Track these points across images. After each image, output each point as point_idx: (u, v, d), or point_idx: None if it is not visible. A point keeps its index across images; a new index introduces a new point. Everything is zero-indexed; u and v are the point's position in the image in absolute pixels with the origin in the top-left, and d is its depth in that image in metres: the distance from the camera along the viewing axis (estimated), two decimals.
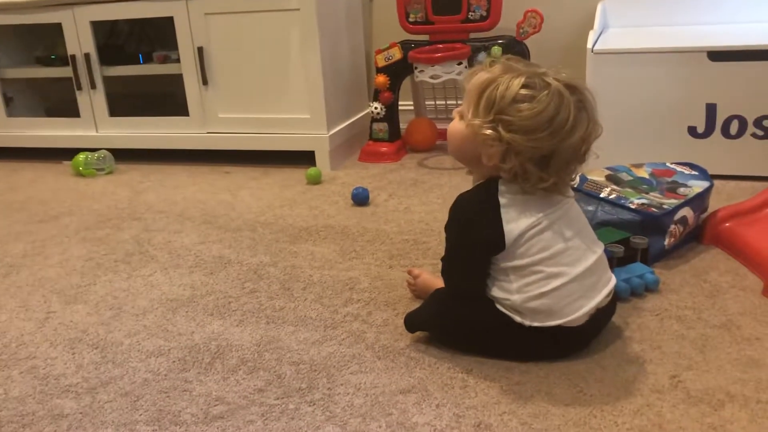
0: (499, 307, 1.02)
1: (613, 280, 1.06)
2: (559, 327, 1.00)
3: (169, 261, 1.52)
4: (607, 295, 1.04)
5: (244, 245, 1.59)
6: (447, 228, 1.06)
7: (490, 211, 0.98)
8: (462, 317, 1.06)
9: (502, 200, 0.98)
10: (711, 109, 1.76)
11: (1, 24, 2.36)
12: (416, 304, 1.19)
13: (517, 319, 1.01)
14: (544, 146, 0.94)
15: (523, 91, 0.94)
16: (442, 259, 1.09)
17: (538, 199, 0.99)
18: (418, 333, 1.13)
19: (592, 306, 1.01)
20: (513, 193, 0.98)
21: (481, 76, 0.98)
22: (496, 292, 1.02)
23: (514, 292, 1.00)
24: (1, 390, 1.06)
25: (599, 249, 1.05)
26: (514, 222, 0.98)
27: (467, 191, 1.04)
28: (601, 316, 1.06)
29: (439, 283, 1.15)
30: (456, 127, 1.03)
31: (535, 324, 1.00)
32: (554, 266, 0.98)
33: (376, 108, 2.24)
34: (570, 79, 0.96)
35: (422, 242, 1.54)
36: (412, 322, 1.12)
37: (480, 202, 1.01)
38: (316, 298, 1.30)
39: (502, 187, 0.99)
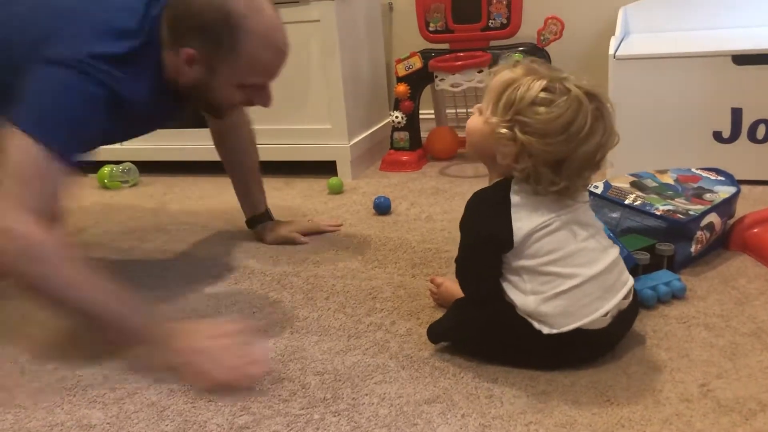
0: (521, 314, 1.02)
1: (631, 281, 1.06)
2: (579, 330, 0.99)
3: (193, 272, 1.53)
4: (626, 297, 1.04)
5: (267, 255, 1.60)
6: (460, 224, 1.07)
7: (501, 208, 1.00)
8: (483, 326, 1.05)
9: (514, 199, 0.99)
10: (736, 114, 1.74)
11: None
12: (439, 313, 1.19)
13: (536, 326, 1.00)
14: (559, 151, 0.95)
15: (543, 95, 0.95)
16: (456, 260, 1.09)
17: (550, 201, 0.99)
18: (441, 342, 1.12)
19: (611, 307, 1.00)
20: (525, 193, 0.99)
21: (504, 75, 1.00)
22: (511, 295, 1.02)
23: (528, 293, 1.00)
24: (31, 401, 1.08)
25: (615, 251, 1.04)
26: (524, 220, 0.99)
27: (483, 188, 1.06)
28: (624, 319, 1.05)
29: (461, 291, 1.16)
30: (474, 122, 1.04)
31: (554, 331, 0.99)
32: (566, 267, 0.99)
33: (396, 117, 2.24)
34: (591, 87, 0.97)
35: (444, 251, 1.53)
36: (434, 333, 1.12)
37: (492, 198, 1.02)
38: (339, 307, 1.30)
39: (515, 186, 1.00)
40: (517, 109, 0.96)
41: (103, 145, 1.22)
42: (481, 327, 1.06)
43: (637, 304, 1.09)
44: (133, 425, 1.00)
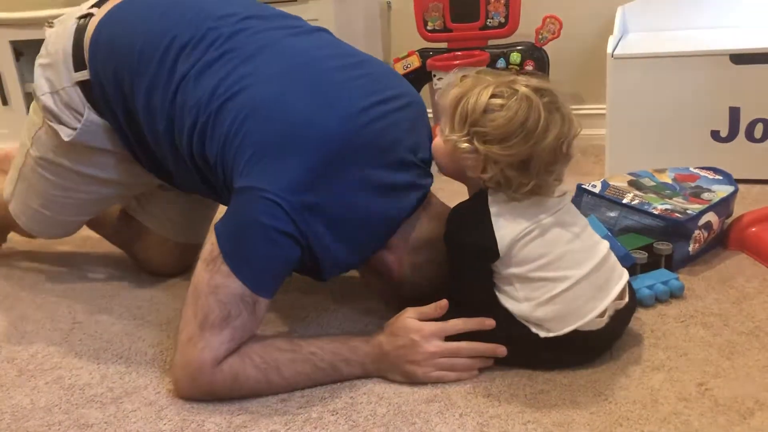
0: (515, 317, 1.01)
1: (626, 276, 1.06)
2: (576, 332, 0.99)
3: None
4: (622, 296, 1.04)
5: None
6: (445, 239, 1.06)
7: (481, 220, 1.00)
8: (482, 331, 1.04)
9: (493, 209, 1.00)
10: (734, 113, 1.74)
11: None
12: None
13: (533, 329, 1.00)
14: (520, 152, 0.95)
15: (493, 101, 0.96)
16: (449, 273, 1.08)
17: (529, 206, 1.00)
18: None
19: (606, 304, 1.00)
20: (503, 201, 1.00)
21: (454, 91, 1.01)
22: (505, 303, 1.02)
23: (521, 301, 1.00)
24: (28, 400, 1.08)
25: (604, 247, 1.04)
26: (506, 229, 0.99)
27: (461, 202, 1.06)
28: (621, 318, 1.05)
29: None
30: (437, 143, 1.06)
31: (551, 334, 0.99)
32: (556, 271, 0.99)
33: None
34: (539, 83, 0.98)
35: None
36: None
37: (471, 211, 1.03)
38: (337, 306, 1.30)
39: (491, 197, 1.01)
40: (471, 120, 0.97)
41: None
42: (480, 332, 1.05)
43: (633, 302, 1.09)
44: (130, 424, 0.99)
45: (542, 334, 0.99)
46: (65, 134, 1.20)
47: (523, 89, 0.96)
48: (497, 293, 1.03)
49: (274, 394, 1.03)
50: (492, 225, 0.99)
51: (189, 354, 1.00)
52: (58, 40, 1.21)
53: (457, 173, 1.06)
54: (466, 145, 0.98)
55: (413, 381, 1.03)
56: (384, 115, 1.06)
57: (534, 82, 0.98)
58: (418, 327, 1.03)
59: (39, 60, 1.23)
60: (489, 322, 1.02)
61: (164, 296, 1.41)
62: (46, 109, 1.21)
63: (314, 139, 1.00)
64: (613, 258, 1.06)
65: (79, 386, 1.10)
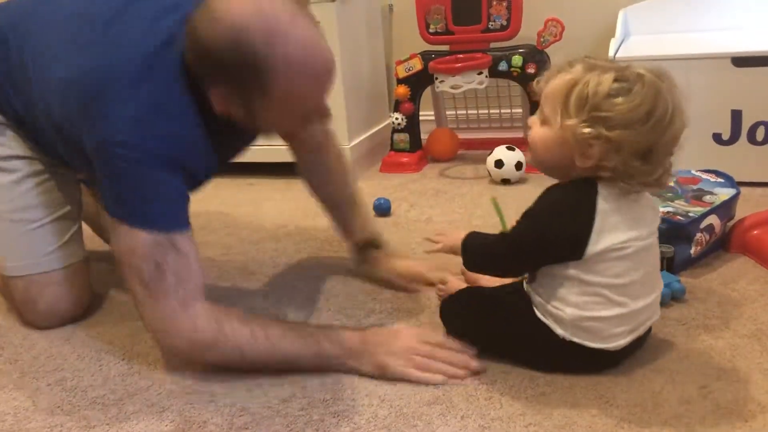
0: (538, 314, 1.00)
1: (658, 315, 1.04)
2: (597, 349, 0.99)
3: None
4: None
5: (267, 257, 1.60)
6: (529, 214, 0.98)
7: (584, 215, 0.93)
8: (500, 324, 1.05)
9: (602, 205, 0.93)
10: (736, 116, 1.74)
11: None
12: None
13: (559, 331, 0.99)
14: (646, 139, 0.90)
15: (616, 85, 0.90)
16: (496, 243, 1.03)
17: (634, 214, 0.95)
18: (451, 326, 1.12)
19: (635, 337, 1.00)
20: (615, 198, 0.93)
21: (563, 77, 0.94)
22: (548, 297, 0.99)
23: (570, 305, 0.97)
24: (30, 402, 1.08)
25: (660, 287, 1.03)
26: (607, 233, 0.93)
27: (563, 184, 0.98)
28: (638, 342, 1.03)
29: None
30: (540, 133, 0.97)
31: (575, 339, 0.98)
32: (621, 295, 0.96)
33: (397, 119, 2.24)
34: (660, 71, 0.93)
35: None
36: (448, 317, 1.14)
37: (576, 200, 0.95)
38: (339, 308, 1.30)
39: (603, 191, 0.93)
40: (592, 105, 0.90)
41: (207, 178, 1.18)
42: (497, 324, 1.05)
43: (651, 328, 1.06)
44: (132, 426, 1.00)
45: (567, 337, 0.98)
46: None
47: (648, 75, 0.91)
48: (543, 279, 0.99)
49: (258, 357, 1.05)
50: (593, 225, 0.92)
51: (156, 313, 1.04)
52: None
53: (558, 165, 0.97)
54: (589, 130, 0.90)
55: (383, 373, 1.05)
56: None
57: (653, 69, 0.92)
58: (402, 327, 1.15)
59: None
60: (474, 366, 1.04)
61: None
62: None
63: (113, 78, 1.03)
64: (659, 298, 1.03)
65: (82, 388, 1.11)
